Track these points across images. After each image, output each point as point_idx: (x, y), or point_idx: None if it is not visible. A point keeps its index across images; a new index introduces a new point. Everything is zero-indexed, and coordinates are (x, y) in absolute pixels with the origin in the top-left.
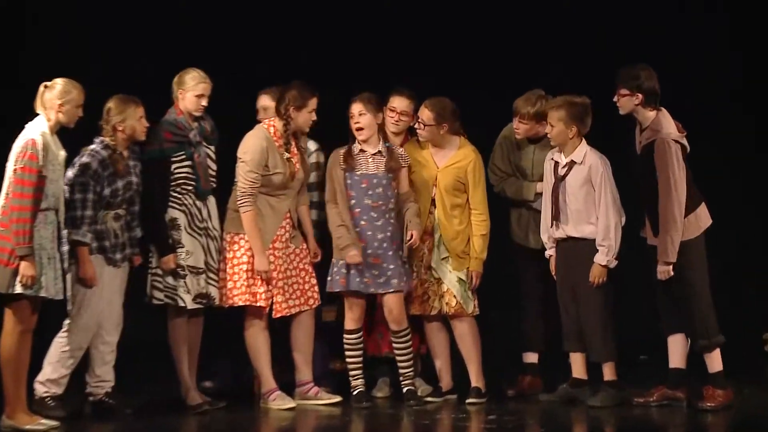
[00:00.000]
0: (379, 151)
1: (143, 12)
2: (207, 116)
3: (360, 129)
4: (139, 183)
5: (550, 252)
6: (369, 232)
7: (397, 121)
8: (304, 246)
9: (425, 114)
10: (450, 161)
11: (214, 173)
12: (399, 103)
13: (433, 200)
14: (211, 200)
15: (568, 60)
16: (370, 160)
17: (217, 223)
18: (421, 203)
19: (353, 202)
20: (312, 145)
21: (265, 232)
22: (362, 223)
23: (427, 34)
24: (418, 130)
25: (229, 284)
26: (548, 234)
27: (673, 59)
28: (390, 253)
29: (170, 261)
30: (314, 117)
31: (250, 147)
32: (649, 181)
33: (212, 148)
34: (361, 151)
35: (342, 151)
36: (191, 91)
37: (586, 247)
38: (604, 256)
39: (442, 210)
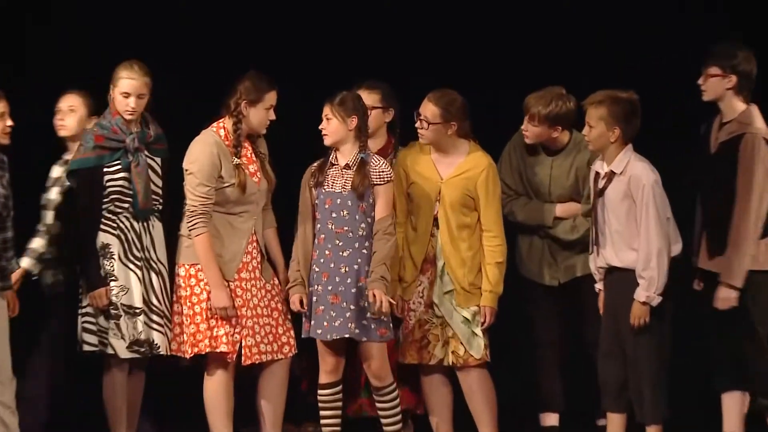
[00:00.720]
0: (348, 164)
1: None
2: (153, 121)
3: (325, 135)
4: (8, 196)
5: (599, 286)
6: (332, 265)
7: None
8: (276, 281)
9: (429, 110)
10: (457, 170)
11: (159, 191)
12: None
13: (436, 219)
14: (157, 225)
15: (567, 60)
16: (338, 174)
17: (164, 252)
18: (421, 223)
19: (318, 226)
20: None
21: (226, 259)
22: (326, 253)
23: (426, 33)
24: (419, 131)
25: (191, 328)
26: (595, 263)
27: (675, 60)
28: (353, 290)
29: (101, 296)
30: (272, 116)
31: (198, 155)
32: (722, 186)
33: (157, 160)
34: (332, 163)
35: (317, 163)
36: (117, 88)
37: (630, 279)
38: (644, 291)
39: (447, 231)
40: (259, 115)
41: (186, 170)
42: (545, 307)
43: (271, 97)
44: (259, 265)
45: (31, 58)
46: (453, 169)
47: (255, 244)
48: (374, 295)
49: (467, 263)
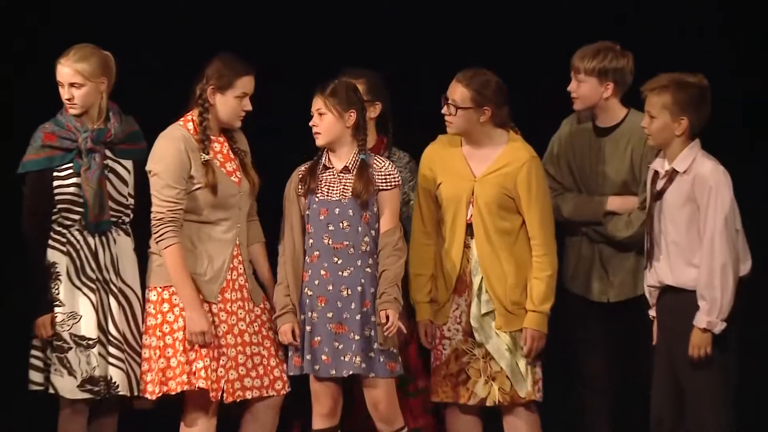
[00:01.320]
0: (346, 167)
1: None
2: (122, 117)
3: (317, 134)
4: None
5: (652, 313)
6: (329, 287)
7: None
8: (267, 305)
9: (458, 92)
10: (493, 166)
11: (126, 199)
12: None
13: (471, 226)
14: (122, 240)
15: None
16: (334, 179)
17: (131, 273)
18: (452, 232)
19: (311, 241)
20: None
21: (207, 278)
22: (322, 273)
23: (428, 22)
24: (447, 118)
25: (161, 362)
26: (647, 281)
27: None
28: (358, 317)
29: (44, 325)
30: (247, 106)
31: (162, 153)
32: None
33: (126, 163)
34: (325, 167)
35: (304, 166)
36: (57, 77)
37: (688, 301)
38: (705, 316)
39: (484, 240)
40: (229, 104)
41: (150, 172)
42: (592, 331)
43: (244, 84)
44: (247, 284)
45: (32, 58)
46: (488, 165)
47: (240, 258)
48: (387, 317)
49: (509, 277)
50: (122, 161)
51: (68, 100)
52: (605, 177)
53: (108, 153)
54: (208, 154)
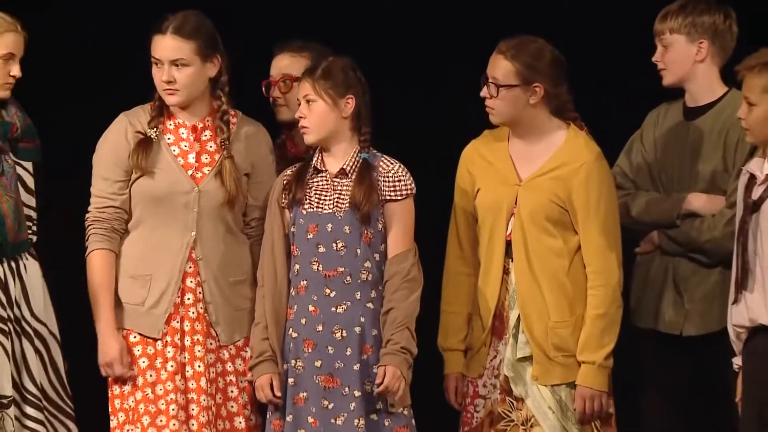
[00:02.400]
0: (343, 170)
1: None
2: (18, 107)
3: (306, 128)
4: None
5: (737, 362)
6: (319, 328)
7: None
8: (240, 342)
9: (500, 67)
10: (545, 167)
11: (33, 212)
12: (279, 64)
13: (509, 244)
14: (31, 266)
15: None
16: (326, 185)
17: (43, 306)
18: (489, 252)
19: (297, 267)
20: None
21: (148, 304)
22: (311, 309)
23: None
24: (488, 104)
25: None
26: (733, 318)
27: None
28: (356, 366)
29: None
30: (165, 75)
31: (101, 138)
32: None
33: (27, 165)
34: (317, 170)
35: (290, 170)
36: None
37: None
38: None
39: (524, 261)
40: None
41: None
42: (661, 374)
43: (153, 46)
44: (207, 315)
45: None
46: (538, 165)
47: (200, 278)
48: (385, 374)
49: (552, 313)
50: (24, 164)
51: (11, 79)
52: (691, 169)
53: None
54: (157, 132)
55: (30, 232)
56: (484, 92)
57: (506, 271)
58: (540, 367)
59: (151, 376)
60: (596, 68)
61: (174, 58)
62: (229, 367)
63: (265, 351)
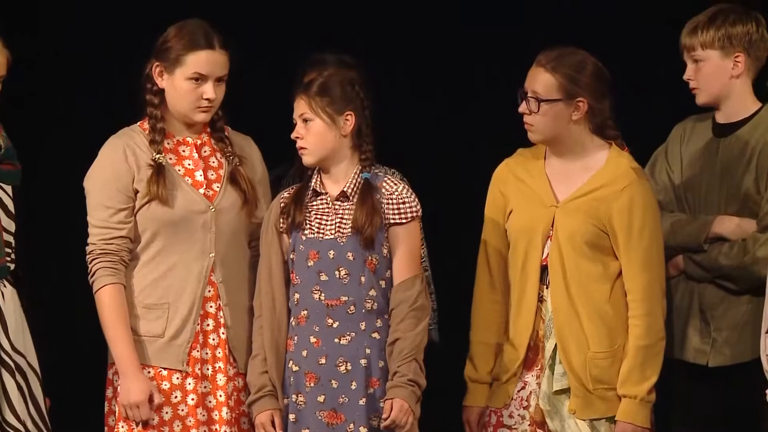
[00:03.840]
0: (344, 192)
1: None
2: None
3: (303, 149)
4: None
5: None
6: (322, 360)
7: None
8: None
9: (540, 80)
10: (584, 188)
11: (11, 238)
12: None
13: (544, 270)
14: (9, 293)
15: None
16: (327, 209)
17: (23, 338)
18: (522, 277)
19: (297, 296)
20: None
21: (168, 335)
22: (312, 341)
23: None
24: (527, 120)
25: None
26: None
27: None
28: (362, 401)
29: None
30: (208, 93)
31: (96, 163)
32: None
33: (6, 189)
34: (316, 192)
35: (287, 192)
36: None
37: None
38: None
39: (561, 287)
40: (180, 88)
41: (85, 191)
42: (689, 405)
43: (196, 60)
44: (228, 343)
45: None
46: (577, 186)
47: (220, 302)
48: (392, 408)
49: (591, 343)
50: (3, 186)
51: None
52: (719, 190)
53: None
54: (166, 157)
55: (9, 259)
56: (522, 108)
57: (541, 299)
58: (578, 400)
59: (167, 413)
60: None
61: (223, 74)
62: (243, 396)
63: (264, 385)
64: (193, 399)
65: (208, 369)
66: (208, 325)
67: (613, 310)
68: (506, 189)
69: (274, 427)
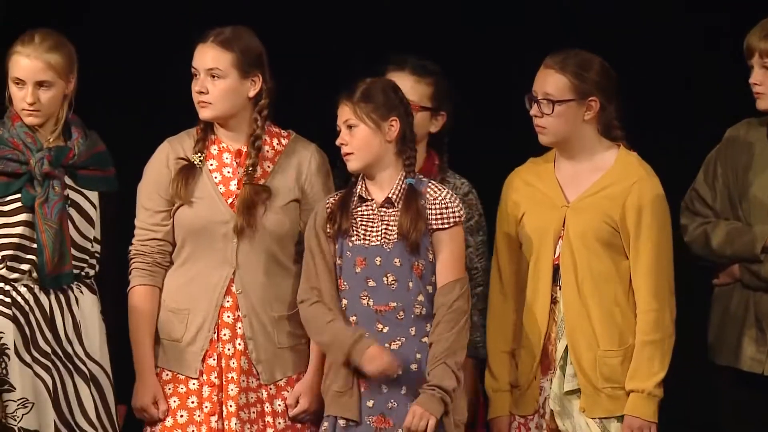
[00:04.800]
0: (389, 198)
1: None
2: (82, 128)
3: (349, 155)
4: None
5: None
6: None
7: None
8: (283, 381)
9: (551, 81)
10: (594, 187)
11: (90, 244)
12: (401, 87)
13: (557, 270)
14: (86, 300)
15: None
16: (373, 216)
17: (99, 345)
18: (534, 278)
19: (345, 302)
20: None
21: (185, 341)
22: None
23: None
24: (536, 122)
25: None
26: None
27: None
28: (410, 407)
29: None
30: (199, 86)
31: (145, 168)
32: None
33: (90, 194)
34: (362, 198)
35: (333, 198)
36: (9, 71)
37: None
38: None
39: (573, 287)
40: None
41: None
42: (741, 414)
43: (199, 56)
44: (248, 353)
45: None
46: (587, 186)
47: (239, 313)
48: (414, 415)
49: (601, 342)
50: (86, 192)
51: (31, 105)
52: None
53: (68, 180)
54: (201, 157)
55: (86, 264)
56: (534, 111)
57: (553, 300)
58: (588, 398)
59: (182, 416)
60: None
61: (210, 66)
62: (267, 408)
63: (356, 331)
64: (207, 406)
65: (223, 378)
66: (224, 334)
67: (624, 308)
68: (517, 195)
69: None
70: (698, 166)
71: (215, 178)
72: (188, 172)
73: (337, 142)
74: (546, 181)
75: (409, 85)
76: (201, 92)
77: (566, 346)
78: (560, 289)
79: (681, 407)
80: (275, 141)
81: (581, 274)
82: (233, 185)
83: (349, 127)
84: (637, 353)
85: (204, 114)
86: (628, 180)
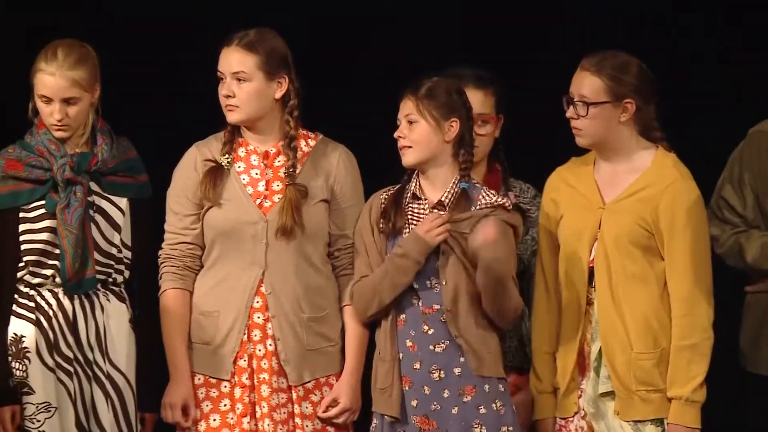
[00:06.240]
0: (441, 202)
1: None
2: (109, 134)
3: (406, 148)
4: None
5: None
6: (416, 365)
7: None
8: (311, 384)
9: (586, 83)
10: (630, 189)
11: (116, 250)
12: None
13: (592, 273)
14: (113, 308)
15: None
16: (424, 215)
17: (124, 354)
18: (569, 280)
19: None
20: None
21: (215, 343)
22: (409, 345)
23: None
24: (575, 125)
25: None
26: None
27: None
28: (454, 410)
29: (3, 420)
30: (225, 90)
31: (174, 172)
32: None
33: (119, 201)
34: (415, 196)
35: (385, 194)
36: (35, 88)
37: None
38: None
39: (606, 289)
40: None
41: None
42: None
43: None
44: (277, 353)
45: None
46: (624, 188)
47: (269, 313)
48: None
49: (634, 344)
50: (113, 198)
51: (59, 121)
52: None
53: (94, 186)
54: (229, 159)
55: (113, 270)
56: (570, 112)
57: (589, 302)
58: (622, 401)
59: (214, 420)
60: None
61: (235, 70)
62: (296, 409)
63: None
64: (239, 408)
65: (255, 379)
66: (255, 335)
67: (658, 311)
68: (557, 196)
69: None
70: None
71: (243, 179)
72: (216, 173)
73: (396, 134)
74: (585, 182)
75: (479, 99)
76: (228, 96)
77: (600, 348)
78: (596, 291)
79: (710, 413)
80: (303, 142)
81: (615, 276)
82: (261, 186)
83: (410, 122)
84: (673, 359)
85: (232, 117)
86: (662, 182)
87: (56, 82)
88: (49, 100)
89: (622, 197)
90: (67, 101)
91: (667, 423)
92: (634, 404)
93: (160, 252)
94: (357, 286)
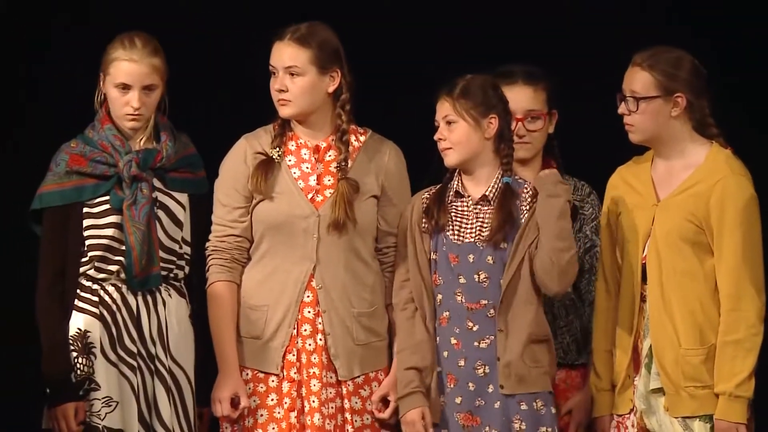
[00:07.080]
0: (485, 196)
1: None
2: (174, 133)
3: (447, 150)
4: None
5: None
6: (461, 362)
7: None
8: (360, 378)
9: (637, 79)
10: (682, 186)
11: (178, 246)
12: (518, 99)
13: (644, 269)
14: (174, 303)
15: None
16: (468, 212)
17: (185, 349)
18: (625, 277)
19: (440, 297)
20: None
21: (265, 337)
22: (453, 342)
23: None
24: (627, 121)
25: None
26: None
27: None
28: (497, 405)
29: (66, 417)
30: (278, 85)
31: (222, 164)
32: None
33: (180, 197)
34: (458, 194)
35: (427, 193)
36: (109, 76)
37: None
38: None
39: (657, 286)
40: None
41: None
42: None
43: (277, 53)
44: (327, 348)
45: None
46: (677, 185)
47: (319, 308)
48: None
49: (683, 341)
50: (175, 194)
51: (136, 110)
52: None
53: (157, 183)
54: (280, 152)
55: (174, 266)
56: (622, 109)
57: (643, 299)
58: (671, 397)
59: (261, 416)
60: None
61: (288, 65)
62: (346, 404)
63: (411, 381)
64: (287, 402)
65: (303, 374)
66: (305, 330)
67: (707, 307)
68: (617, 194)
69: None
70: None
71: (294, 173)
72: (267, 166)
73: (436, 137)
74: (641, 179)
75: (528, 96)
76: (281, 90)
77: (650, 344)
78: (647, 286)
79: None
80: (353, 137)
81: (665, 273)
82: (312, 180)
83: (448, 122)
84: (718, 354)
85: (284, 112)
86: (713, 178)
87: (138, 69)
88: (127, 88)
89: (675, 194)
90: (147, 88)
91: (715, 419)
92: (682, 400)
93: (207, 244)
94: (398, 319)
